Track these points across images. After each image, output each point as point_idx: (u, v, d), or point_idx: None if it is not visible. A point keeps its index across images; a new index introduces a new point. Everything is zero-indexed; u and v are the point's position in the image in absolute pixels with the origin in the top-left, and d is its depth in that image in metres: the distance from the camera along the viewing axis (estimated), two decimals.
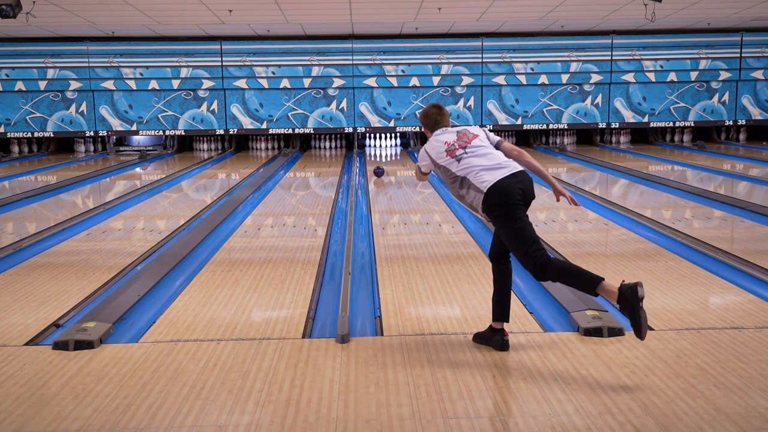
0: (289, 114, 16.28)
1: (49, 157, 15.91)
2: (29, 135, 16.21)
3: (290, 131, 16.43)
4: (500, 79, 16.20)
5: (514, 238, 3.72)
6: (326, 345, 3.99)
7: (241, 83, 16.06)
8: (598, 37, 16.09)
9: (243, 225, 7.86)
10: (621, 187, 10.67)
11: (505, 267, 3.96)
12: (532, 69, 16.19)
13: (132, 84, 15.99)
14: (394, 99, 16.27)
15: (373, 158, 15.34)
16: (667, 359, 3.70)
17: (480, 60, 16.12)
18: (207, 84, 16.04)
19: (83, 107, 16.09)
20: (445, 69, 16.13)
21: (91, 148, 16.98)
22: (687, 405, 3.17)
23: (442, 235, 7.13)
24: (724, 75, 16.31)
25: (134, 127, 16.23)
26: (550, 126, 16.59)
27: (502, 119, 16.41)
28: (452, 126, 4.18)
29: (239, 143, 17.19)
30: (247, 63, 15.97)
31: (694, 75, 16.31)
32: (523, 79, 16.23)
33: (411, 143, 17.09)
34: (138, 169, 13.81)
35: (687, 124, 16.63)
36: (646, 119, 16.54)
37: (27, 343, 4.13)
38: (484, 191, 3.78)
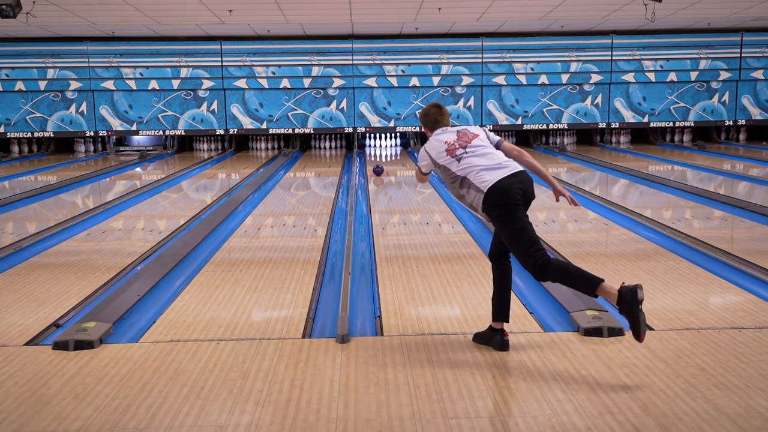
0: (289, 114, 16.28)
1: (49, 157, 15.91)
2: (29, 135, 16.21)
3: (290, 131, 16.43)
4: (500, 79, 16.20)
5: (514, 238, 3.72)
6: (326, 345, 3.99)
7: (241, 83, 16.06)
8: (598, 37, 16.09)
9: (243, 225, 7.86)
10: (621, 187, 10.67)
11: (504, 267, 3.96)
12: (532, 69, 16.20)
13: (132, 84, 15.99)
14: (394, 99, 16.27)
15: (373, 158, 15.34)
16: (667, 359, 3.70)
17: (480, 60, 16.12)
18: (207, 84, 16.04)
19: (83, 107, 16.09)
20: (445, 69, 16.13)
21: (91, 148, 16.98)
22: (687, 405, 3.17)
23: (442, 235, 7.13)
24: (724, 75, 16.31)
25: (134, 127, 16.23)
26: (550, 126, 16.59)
27: (502, 119, 16.41)
28: (452, 126, 4.18)
29: (239, 143, 17.19)
30: (247, 63, 15.97)
31: (694, 75, 16.31)
32: (523, 79, 16.23)
33: (411, 143, 17.09)
34: (138, 169, 13.81)
35: (687, 124, 16.63)
36: (646, 119, 16.55)
37: (27, 343, 4.13)
38: (485, 191, 3.77)
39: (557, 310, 4.56)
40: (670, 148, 16.02)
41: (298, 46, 15.93)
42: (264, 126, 16.32)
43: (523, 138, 17.33)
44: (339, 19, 13.80)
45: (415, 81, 16.16)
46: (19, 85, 15.87)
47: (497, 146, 4.04)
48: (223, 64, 15.97)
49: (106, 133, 16.28)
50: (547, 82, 16.25)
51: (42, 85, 15.92)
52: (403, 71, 16.13)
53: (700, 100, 16.48)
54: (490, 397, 3.30)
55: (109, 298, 4.87)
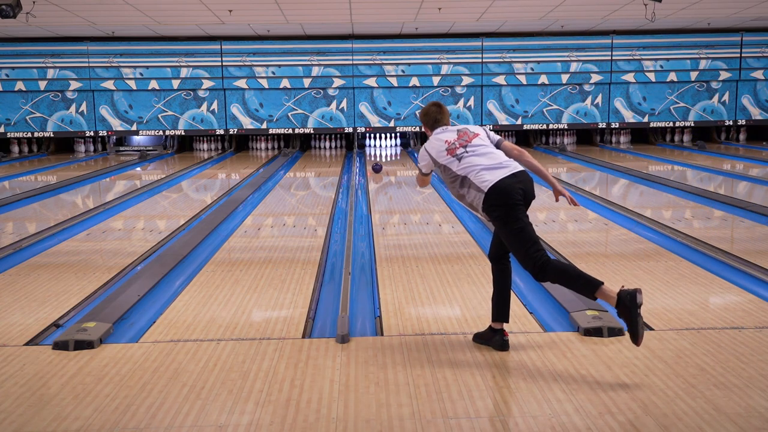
0: (289, 114, 16.28)
1: (49, 157, 15.91)
2: (29, 135, 16.21)
3: (290, 131, 16.43)
4: (500, 79, 16.20)
5: (515, 238, 3.72)
6: (326, 345, 3.99)
7: (241, 83, 16.06)
8: (598, 37, 16.09)
9: (243, 225, 7.86)
10: (621, 187, 10.67)
11: (504, 267, 3.96)
12: (532, 69, 16.20)
13: (132, 84, 15.99)
14: (394, 99, 16.27)
15: (373, 158, 15.34)
16: (667, 359, 3.70)
17: (480, 60, 16.12)
18: (207, 84, 16.04)
19: (83, 107, 16.09)
20: (445, 69, 16.13)
21: (91, 148, 16.98)
22: (687, 405, 3.17)
23: (442, 235, 7.13)
24: (724, 75, 16.31)
25: (134, 127, 16.23)
26: (550, 126, 16.59)
27: (502, 119, 16.41)
28: (452, 125, 4.17)
29: (239, 143, 17.19)
30: (247, 63, 15.97)
31: (694, 75, 16.31)
32: (523, 79, 16.23)
33: (411, 143, 17.09)
34: (138, 169, 13.81)
35: (687, 124, 16.63)
36: (646, 119, 16.54)
37: (27, 343, 4.13)
38: (485, 191, 3.77)
39: (557, 310, 4.56)
40: (670, 148, 16.02)
41: (298, 46, 15.93)
42: (264, 126, 16.32)
43: (523, 138, 17.33)
44: (339, 19, 13.80)
45: (415, 81, 16.16)
46: (19, 85, 15.87)
47: (497, 145, 4.03)
48: (223, 64, 15.97)
49: (106, 133, 16.28)
50: (547, 82, 16.25)
51: (42, 85, 15.92)
52: (403, 71, 16.13)
53: (700, 100, 16.48)
54: (490, 397, 3.30)
55: (109, 298, 4.87)
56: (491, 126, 16.17)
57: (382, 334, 4.21)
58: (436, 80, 16.17)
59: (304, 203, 9.72)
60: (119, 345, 4.05)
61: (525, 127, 16.54)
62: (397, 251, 6.37)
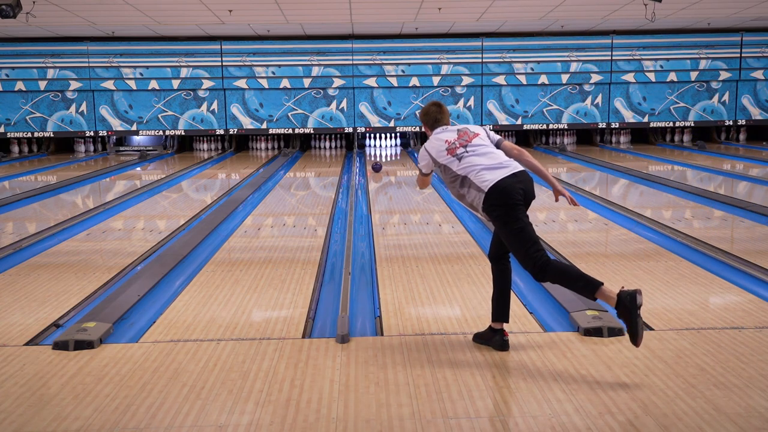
0: (289, 114, 16.28)
1: (49, 157, 15.91)
2: (29, 135, 16.21)
3: (290, 131, 16.43)
4: (500, 79, 16.20)
5: (515, 238, 3.72)
6: (326, 345, 3.99)
7: (241, 83, 16.06)
8: (598, 37, 16.09)
9: (243, 225, 7.86)
10: (621, 187, 10.67)
11: (504, 267, 3.96)
12: (532, 69, 16.20)
13: (132, 84, 15.99)
14: (394, 99, 16.27)
15: (373, 158, 15.33)
16: (667, 359, 3.70)
17: (480, 60, 16.12)
18: (207, 84, 16.04)
19: (83, 107, 16.09)
20: (445, 69, 16.13)
21: (91, 148, 16.98)
22: (687, 405, 3.17)
23: (442, 235, 7.13)
24: (724, 75, 16.31)
25: (134, 127, 16.23)
26: (550, 126, 16.59)
27: (502, 119, 16.41)
28: (452, 125, 4.17)
29: (239, 143, 17.19)
30: (247, 63, 15.97)
31: (694, 75, 16.31)
32: (523, 79, 16.23)
33: (411, 143, 17.10)
34: (138, 169, 13.81)
35: (687, 124, 16.63)
36: (646, 119, 16.54)
37: (27, 343, 4.13)
38: (485, 191, 3.77)
39: (557, 310, 4.56)
40: (670, 148, 16.02)
41: (298, 46, 15.93)
42: (264, 126, 16.32)
43: (523, 138, 17.33)
44: (339, 19, 13.80)
45: (415, 81, 16.16)
46: (19, 85, 15.87)
47: (497, 145, 4.03)
48: (223, 64, 15.97)
49: (106, 133, 16.29)
50: (547, 82, 16.25)
51: (42, 85, 15.92)
52: (403, 71, 16.13)
53: (700, 100, 16.48)
54: (490, 397, 3.30)
55: (109, 298, 4.87)
56: (491, 126, 16.17)
57: (382, 334, 4.21)
58: (436, 80, 16.17)
59: (304, 203, 9.72)
60: (119, 345, 4.05)
61: (525, 127, 16.54)
62: (397, 251, 6.37)
